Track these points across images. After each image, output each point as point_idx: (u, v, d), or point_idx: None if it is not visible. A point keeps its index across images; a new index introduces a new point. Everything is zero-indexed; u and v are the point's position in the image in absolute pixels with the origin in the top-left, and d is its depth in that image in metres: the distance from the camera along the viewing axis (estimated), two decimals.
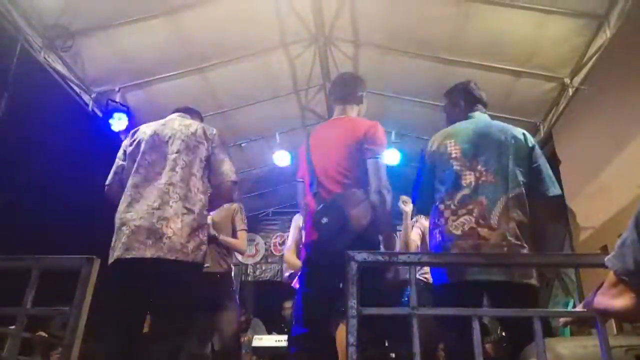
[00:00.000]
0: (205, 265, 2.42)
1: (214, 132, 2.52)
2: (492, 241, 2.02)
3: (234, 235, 3.52)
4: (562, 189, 5.20)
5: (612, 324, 3.33)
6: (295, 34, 4.63)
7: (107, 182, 2.51)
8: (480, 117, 2.39)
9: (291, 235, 3.70)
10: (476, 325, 1.13)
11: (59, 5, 3.71)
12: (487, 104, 2.51)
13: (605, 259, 1.11)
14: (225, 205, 3.36)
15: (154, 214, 2.23)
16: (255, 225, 8.03)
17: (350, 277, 1.24)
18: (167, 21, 4.11)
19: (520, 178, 2.16)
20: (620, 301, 1.10)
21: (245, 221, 3.62)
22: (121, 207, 2.33)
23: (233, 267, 3.66)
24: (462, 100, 2.48)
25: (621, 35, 3.58)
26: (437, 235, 2.17)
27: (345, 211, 2.15)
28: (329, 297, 2.29)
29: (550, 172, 2.24)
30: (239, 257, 7.79)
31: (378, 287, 2.12)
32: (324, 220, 2.17)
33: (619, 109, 4.10)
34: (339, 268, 1.77)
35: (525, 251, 2.05)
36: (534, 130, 5.17)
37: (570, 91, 4.32)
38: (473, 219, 2.07)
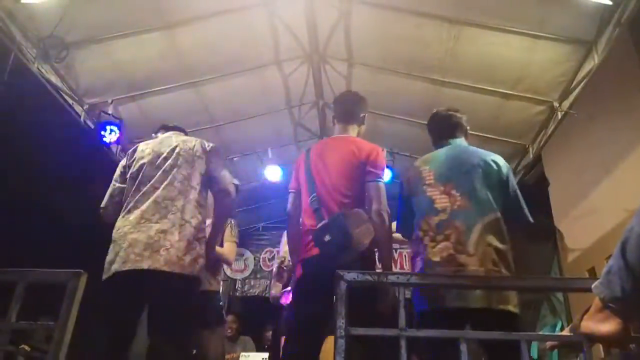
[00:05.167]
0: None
1: (211, 145, 2.56)
2: (470, 267, 2.01)
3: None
4: (550, 210, 5.27)
5: (599, 347, 3.34)
6: (289, 51, 4.68)
7: (103, 204, 2.47)
8: (456, 143, 2.40)
9: (281, 251, 3.72)
10: (464, 348, 1.13)
11: (55, 16, 3.71)
12: (467, 131, 2.52)
13: (592, 285, 1.12)
14: None
15: (152, 227, 2.24)
16: (245, 240, 7.98)
17: (339, 297, 1.24)
18: (162, 35, 4.13)
19: (494, 203, 2.14)
20: (607, 326, 1.10)
21: (236, 235, 3.58)
22: (119, 222, 2.32)
23: (221, 283, 3.60)
24: (441, 127, 2.51)
25: (609, 61, 3.66)
26: (419, 262, 2.16)
27: (349, 230, 2.12)
28: (323, 316, 2.23)
29: (523, 201, 2.23)
30: (227, 271, 7.72)
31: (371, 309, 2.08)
32: (327, 238, 2.14)
33: (607, 132, 4.17)
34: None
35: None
36: (523, 152, 5.24)
37: (559, 115, 4.38)
38: (451, 245, 2.06)
